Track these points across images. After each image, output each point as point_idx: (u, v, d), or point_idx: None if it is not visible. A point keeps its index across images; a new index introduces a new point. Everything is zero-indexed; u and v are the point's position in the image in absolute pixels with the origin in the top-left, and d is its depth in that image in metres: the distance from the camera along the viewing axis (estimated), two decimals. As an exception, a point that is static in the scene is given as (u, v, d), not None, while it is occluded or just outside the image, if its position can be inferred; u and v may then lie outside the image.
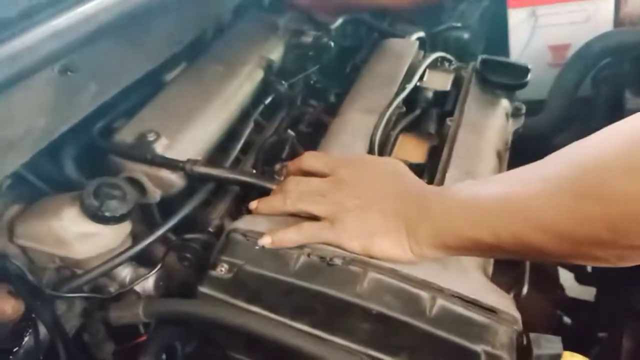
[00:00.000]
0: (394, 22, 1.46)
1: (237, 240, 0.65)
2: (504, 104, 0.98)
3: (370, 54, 1.09)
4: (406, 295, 0.60)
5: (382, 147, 0.83)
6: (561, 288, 1.18)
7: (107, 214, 0.69)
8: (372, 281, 0.61)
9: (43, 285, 0.64)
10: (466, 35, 1.42)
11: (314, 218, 0.65)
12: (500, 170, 0.86)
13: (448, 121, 0.90)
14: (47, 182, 0.79)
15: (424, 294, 0.61)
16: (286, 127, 0.99)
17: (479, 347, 0.57)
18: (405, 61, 1.01)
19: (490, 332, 0.58)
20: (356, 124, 0.86)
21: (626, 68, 1.33)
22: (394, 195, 0.63)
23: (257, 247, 0.64)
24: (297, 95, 1.07)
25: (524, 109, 1.02)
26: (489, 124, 0.90)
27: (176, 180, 0.78)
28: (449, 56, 1.07)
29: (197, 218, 0.81)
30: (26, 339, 0.57)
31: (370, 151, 0.81)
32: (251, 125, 0.91)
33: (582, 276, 1.19)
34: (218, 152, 0.90)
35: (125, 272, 0.76)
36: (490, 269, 0.72)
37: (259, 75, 0.99)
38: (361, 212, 0.62)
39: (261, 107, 0.96)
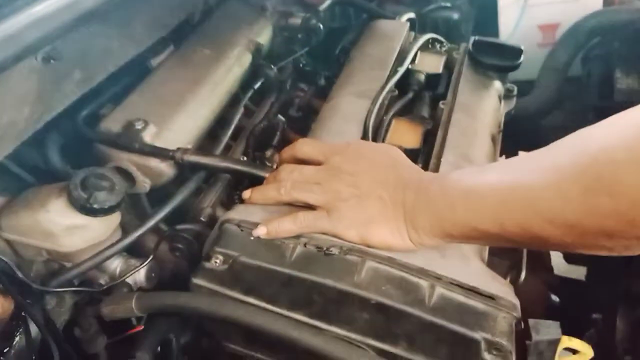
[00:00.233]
0: (382, 2, 1.44)
1: (231, 230, 0.64)
2: (497, 85, 0.96)
3: (360, 35, 1.07)
4: (405, 284, 0.60)
5: (376, 132, 0.82)
6: (551, 268, 1.19)
7: (95, 205, 0.67)
8: (371, 270, 0.60)
9: (32, 280, 0.62)
10: (455, 16, 1.40)
11: (309, 207, 0.64)
12: (494, 153, 0.85)
13: (441, 104, 0.89)
14: (32, 173, 0.76)
15: (423, 282, 0.60)
16: (276, 112, 0.97)
17: (478, 335, 0.56)
18: (397, 43, 0.99)
19: (489, 319, 0.58)
20: (348, 108, 0.84)
21: (616, 47, 1.32)
22: (392, 183, 0.62)
23: (252, 238, 0.63)
24: (287, 79, 1.05)
25: (515, 90, 1.01)
26: (482, 107, 0.89)
27: (166, 169, 0.76)
28: (440, 38, 1.05)
29: (188, 207, 0.80)
30: (17, 338, 0.55)
31: (364, 137, 0.79)
32: (241, 110, 0.89)
33: (571, 255, 1.19)
34: (207, 139, 0.88)
35: (115, 264, 0.75)
36: (486, 254, 0.72)
37: (248, 59, 0.97)
38: (358, 200, 0.61)
39: (251, 92, 0.93)
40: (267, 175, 0.72)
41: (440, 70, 0.96)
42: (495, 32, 1.58)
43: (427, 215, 0.58)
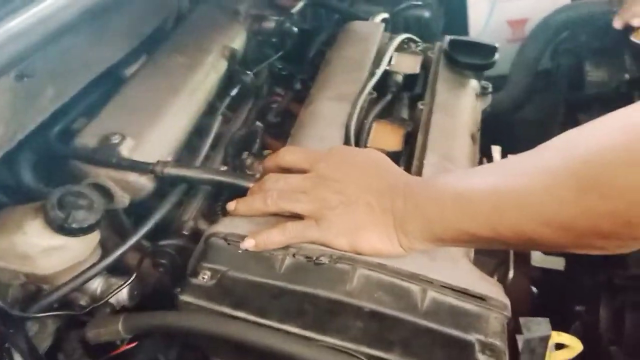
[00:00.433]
0: (353, 2, 1.43)
1: (217, 245, 0.62)
2: (473, 84, 0.97)
3: (336, 37, 1.07)
4: (397, 290, 0.59)
5: (357, 136, 0.81)
6: (529, 261, 1.21)
7: (74, 225, 0.65)
8: (362, 278, 0.60)
9: (10, 306, 0.60)
10: (427, 14, 1.41)
11: (296, 217, 0.63)
12: (475, 152, 0.86)
13: (420, 105, 0.89)
14: (4, 192, 0.74)
15: (415, 287, 0.60)
16: (254, 118, 0.95)
17: (472, 337, 0.57)
18: (373, 45, 0.99)
19: (481, 320, 0.58)
20: (329, 113, 0.84)
21: (584, 40, 1.35)
22: (379, 189, 0.61)
23: (239, 251, 0.62)
24: (263, 84, 1.03)
25: (490, 87, 1.02)
26: (461, 106, 0.90)
27: (145, 183, 0.74)
28: (415, 37, 1.06)
29: (169, 221, 0.78)
30: (-1, 370, 0.53)
31: (346, 141, 0.78)
32: (219, 119, 0.87)
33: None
34: (185, 149, 0.86)
35: (96, 284, 0.72)
36: (472, 254, 0.72)
37: (223, 65, 0.95)
38: (346, 207, 0.61)
39: (228, 100, 0.92)
40: (250, 185, 0.71)
41: (417, 70, 0.96)
42: (464, 29, 1.60)
43: (417, 220, 0.58)
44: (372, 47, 0.98)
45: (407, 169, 0.77)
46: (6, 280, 0.67)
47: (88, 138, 0.74)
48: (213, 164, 0.87)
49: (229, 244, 0.62)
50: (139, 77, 0.85)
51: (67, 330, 0.64)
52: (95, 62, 0.70)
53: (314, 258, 0.61)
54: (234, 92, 0.94)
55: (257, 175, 0.77)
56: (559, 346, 0.67)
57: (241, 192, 0.72)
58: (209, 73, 0.92)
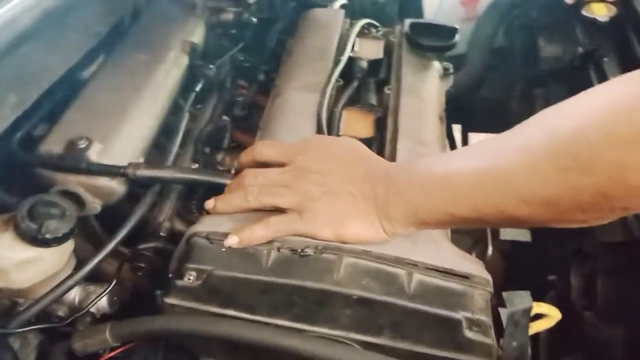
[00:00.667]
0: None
1: (200, 244, 0.62)
2: (436, 66, 0.98)
3: (296, 26, 1.06)
4: (384, 275, 0.60)
5: (329, 124, 0.81)
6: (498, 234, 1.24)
7: (48, 236, 0.63)
8: (348, 266, 0.60)
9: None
10: (382, -2, 1.42)
11: (277, 211, 0.63)
12: (443, 134, 0.87)
13: (386, 90, 0.90)
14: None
15: (401, 271, 0.60)
16: (221, 113, 0.94)
17: (459, 315, 0.58)
18: (335, 32, 0.99)
19: (467, 298, 0.60)
20: (298, 103, 0.83)
21: (536, 16, 1.37)
22: (360, 177, 0.61)
23: (223, 249, 0.61)
24: (226, 78, 1.02)
25: (452, 68, 1.03)
26: (427, 89, 0.91)
27: (117, 187, 0.72)
28: (375, 22, 1.06)
29: (144, 222, 0.76)
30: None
31: (319, 131, 0.78)
32: (187, 116, 0.85)
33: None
34: (153, 149, 0.84)
35: (73, 294, 0.70)
36: (449, 233, 0.73)
37: (185, 60, 0.93)
38: (328, 198, 0.61)
39: (193, 96, 0.90)
40: (227, 181, 0.70)
41: (381, 55, 0.96)
42: (418, 11, 1.61)
43: (399, 206, 0.59)
44: (335, 35, 0.98)
45: (380, 154, 0.78)
46: (-21, 297, 0.65)
47: (53, 144, 0.71)
48: (183, 162, 0.85)
49: (212, 242, 0.62)
50: (99, 78, 0.82)
51: (51, 344, 0.62)
52: (55, 66, 0.67)
53: (299, 250, 0.61)
54: (198, 87, 0.92)
55: (233, 171, 0.76)
56: (538, 316, 0.70)
57: (217, 190, 0.71)
58: (171, 69, 0.90)
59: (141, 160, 0.73)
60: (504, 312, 0.65)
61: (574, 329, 0.85)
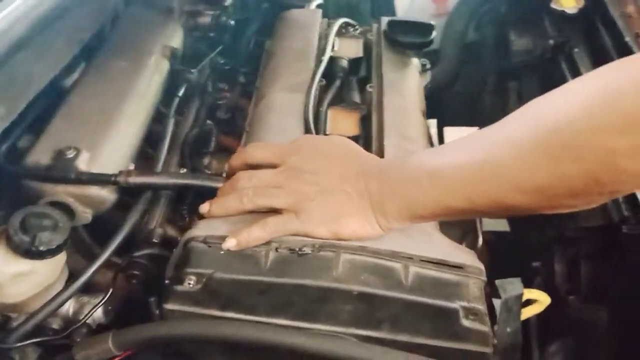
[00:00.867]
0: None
1: (198, 249, 0.62)
2: (415, 62, 1.00)
3: (275, 27, 1.06)
4: (381, 269, 0.61)
5: (316, 124, 0.82)
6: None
7: (41, 248, 0.62)
8: (346, 262, 0.61)
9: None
10: (356, -4, 1.43)
11: (273, 212, 0.63)
12: (427, 129, 0.89)
13: (369, 88, 0.91)
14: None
15: (397, 265, 0.62)
16: (205, 117, 0.94)
17: (456, 304, 0.59)
18: (314, 32, 1.00)
19: (462, 287, 0.61)
20: (284, 104, 0.84)
21: (505, 10, 1.41)
22: (353, 175, 0.62)
23: (222, 252, 0.61)
24: (207, 81, 1.01)
25: (429, 64, 1.05)
26: (408, 85, 0.92)
27: (107, 195, 0.71)
28: (352, 21, 1.07)
29: (136, 229, 0.76)
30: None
31: (307, 131, 0.79)
32: (172, 121, 0.85)
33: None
34: (139, 156, 0.84)
35: (67, 305, 0.70)
36: (438, 224, 0.75)
37: (166, 66, 0.93)
38: (323, 197, 0.61)
39: (177, 101, 0.89)
40: (219, 185, 0.70)
41: (361, 53, 0.98)
42: (390, 9, 1.63)
43: (394, 201, 0.60)
44: (314, 35, 0.99)
45: (367, 151, 0.79)
46: (-29, 313, 0.64)
47: (40, 155, 0.70)
48: (170, 167, 0.85)
49: (209, 246, 0.62)
50: (82, 86, 0.81)
51: (48, 357, 0.62)
52: (40, 76, 0.66)
53: (297, 249, 0.61)
54: (181, 92, 0.92)
55: (224, 175, 0.77)
56: (528, 302, 0.72)
57: (208, 194, 0.71)
58: (153, 75, 0.89)
59: (131, 167, 0.72)
60: (496, 301, 0.67)
61: (560, 313, 0.88)
